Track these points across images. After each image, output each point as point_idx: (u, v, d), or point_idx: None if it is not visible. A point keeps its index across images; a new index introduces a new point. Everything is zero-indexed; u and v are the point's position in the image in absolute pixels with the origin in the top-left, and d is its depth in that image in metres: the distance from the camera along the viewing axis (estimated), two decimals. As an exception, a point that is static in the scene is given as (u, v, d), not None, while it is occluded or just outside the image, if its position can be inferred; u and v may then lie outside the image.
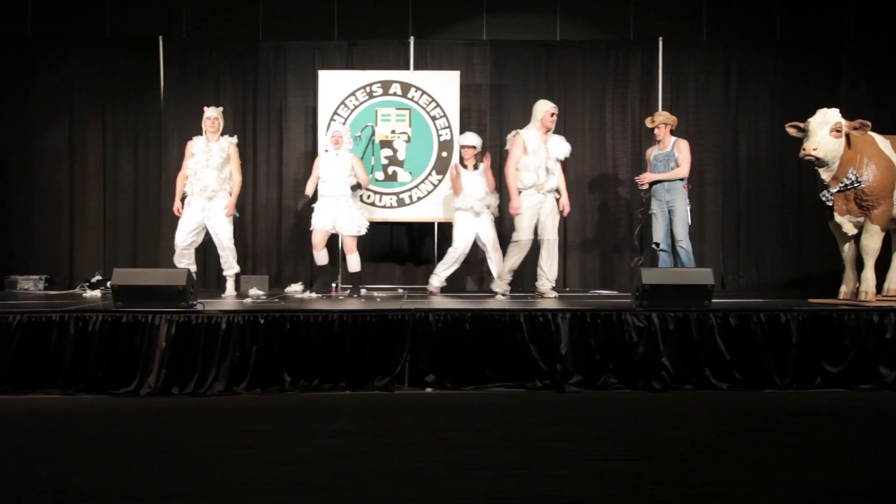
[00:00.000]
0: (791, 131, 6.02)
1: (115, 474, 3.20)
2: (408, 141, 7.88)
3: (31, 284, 7.61)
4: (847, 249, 6.14)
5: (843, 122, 5.79)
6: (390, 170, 7.87)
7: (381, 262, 8.29)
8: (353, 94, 7.86)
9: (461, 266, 8.24)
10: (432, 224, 8.17)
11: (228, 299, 6.52)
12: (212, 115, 6.75)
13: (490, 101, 8.31)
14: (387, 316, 5.10)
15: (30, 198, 8.28)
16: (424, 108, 7.87)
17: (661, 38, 8.27)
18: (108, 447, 3.67)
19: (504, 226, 7.64)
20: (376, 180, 7.77)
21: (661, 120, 6.74)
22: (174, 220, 7.76)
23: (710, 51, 8.39)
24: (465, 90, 8.10)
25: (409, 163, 7.87)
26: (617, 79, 8.37)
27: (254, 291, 6.87)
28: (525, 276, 8.03)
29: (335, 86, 7.87)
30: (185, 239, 6.64)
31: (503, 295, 6.62)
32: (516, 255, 6.62)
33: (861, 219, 5.93)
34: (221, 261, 6.86)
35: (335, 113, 7.83)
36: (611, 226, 8.38)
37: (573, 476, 3.15)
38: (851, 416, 4.42)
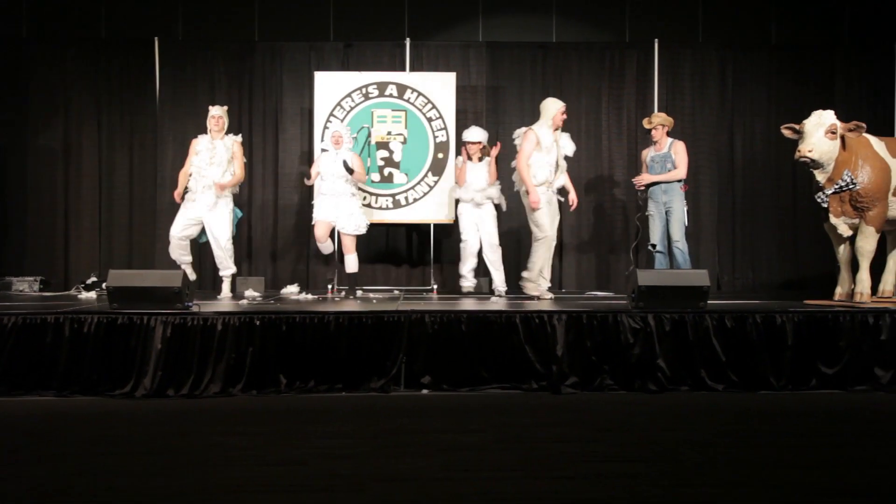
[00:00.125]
0: (786, 133, 6.04)
1: (110, 476, 3.19)
2: (404, 142, 7.88)
3: (26, 286, 7.59)
4: (842, 251, 6.15)
5: (839, 123, 5.81)
6: (386, 171, 7.86)
7: (378, 264, 8.28)
8: (349, 95, 7.86)
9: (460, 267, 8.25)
10: (428, 225, 8.17)
11: (224, 300, 6.51)
12: (216, 113, 6.78)
13: (486, 102, 8.32)
14: (383, 317, 5.10)
15: (25, 198, 8.26)
16: (420, 110, 7.87)
17: (656, 40, 8.28)
18: (104, 449, 3.67)
19: (506, 223, 7.64)
20: (372, 181, 7.77)
21: (659, 121, 6.75)
22: (169, 221, 7.73)
23: (705, 52, 8.41)
24: (462, 91, 8.11)
25: (406, 164, 7.87)
26: (613, 80, 8.38)
27: (250, 293, 6.86)
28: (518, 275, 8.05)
29: (331, 87, 7.87)
30: (180, 231, 6.66)
31: (539, 298, 6.43)
32: (544, 253, 6.52)
33: (856, 220, 5.95)
34: (217, 261, 6.85)
35: (331, 114, 7.82)
36: (606, 227, 8.39)
37: (570, 477, 3.16)
38: (847, 417, 4.43)
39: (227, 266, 6.82)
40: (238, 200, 7.02)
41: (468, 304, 5.82)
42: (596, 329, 5.12)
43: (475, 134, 7.07)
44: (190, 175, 6.66)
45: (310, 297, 6.85)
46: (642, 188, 6.83)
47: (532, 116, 8.25)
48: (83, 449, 3.68)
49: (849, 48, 8.44)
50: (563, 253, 8.28)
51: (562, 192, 6.68)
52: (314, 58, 8.29)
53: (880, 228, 5.99)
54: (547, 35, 8.48)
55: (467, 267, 7.11)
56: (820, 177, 5.93)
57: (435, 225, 8.16)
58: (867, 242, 5.91)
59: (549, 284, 6.68)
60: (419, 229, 8.31)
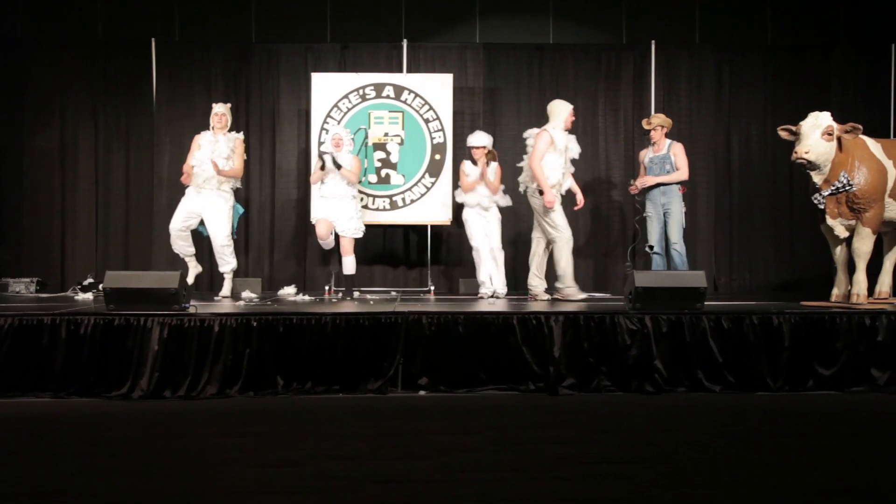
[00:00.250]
0: (783, 134, 6.05)
1: (108, 477, 3.19)
2: (401, 143, 7.88)
3: (22, 287, 7.58)
4: (839, 252, 6.16)
5: (835, 125, 5.83)
6: (383, 172, 7.87)
7: (375, 265, 8.28)
8: (346, 96, 7.86)
9: (459, 268, 8.28)
10: (426, 226, 8.18)
11: (222, 301, 6.51)
12: (220, 110, 6.85)
13: (483, 103, 8.33)
14: (380, 319, 5.09)
15: (21, 199, 8.25)
16: (417, 111, 7.87)
17: (653, 42, 8.30)
18: (101, 450, 3.66)
19: (508, 226, 7.65)
20: (369, 183, 7.77)
21: (658, 122, 6.76)
22: (167, 222, 7.74)
23: (701, 54, 8.42)
24: (458, 93, 8.12)
25: (403, 165, 7.87)
26: (609, 82, 8.39)
27: (247, 294, 6.87)
28: (520, 276, 8.05)
29: (328, 88, 7.87)
30: (180, 223, 6.75)
31: (574, 300, 6.41)
32: (568, 254, 6.48)
33: (853, 222, 5.96)
34: (216, 257, 6.89)
35: (328, 115, 7.82)
36: (603, 229, 8.40)
37: (567, 479, 3.16)
38: (844, 417, 4.44)
39: (226, 262, 6.85)
40: (237, 200, 7.03)
41: (465, 306, 5.82)
42: (593, 330, 5.12)
43: (479, 138, 7.03)
44: (193, 168, 6.73)
45: (307, 298, 6.85)
46: (636, 191, 6.85)
47: (529, 117, 8.30)
48: (80, 450, 3.67)
49: (845, 49, 8.46)
50: (561, 254, 8.29)
51: (567, 193, 6.67)
52: (311, 59, 8.29)
53: (877, 230, 6.00)
54: (544, 37, 8.50)
55: (485, 272, 6.93)
56: (816, 178, 5.94)
57: (432, 226, 8.17)
58: (864, 244, 5.92)
59: (546, 286, 6.68)
60: (416, 230, 8.31)
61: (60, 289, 7.86)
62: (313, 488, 3.03)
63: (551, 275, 6.66)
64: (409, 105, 7.87)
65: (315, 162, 7.15)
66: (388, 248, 8.38)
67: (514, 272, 7.67)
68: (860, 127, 5.84)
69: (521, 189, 6.74)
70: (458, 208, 7.28)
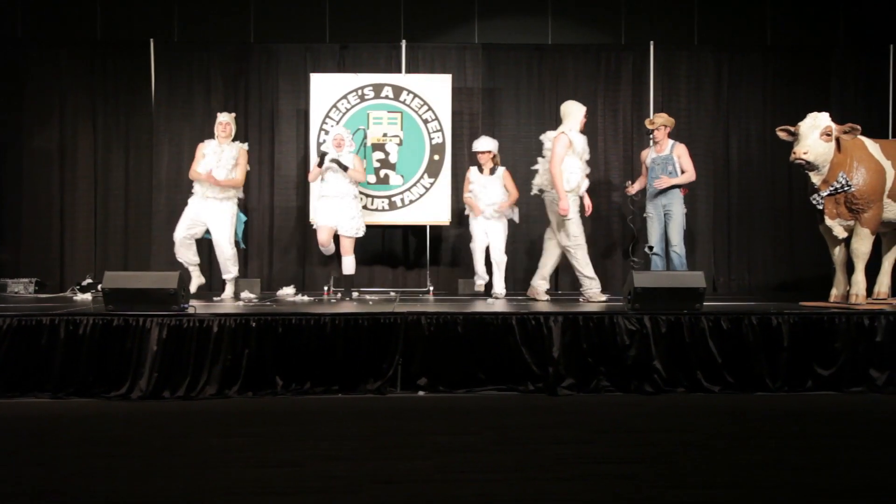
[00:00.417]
0: (781, 135, 6.06)
1: (106, 478, 3.19)
2: (400, 144, 7.88)
3: (21, 287, 7.57)
4: (837, 253, 6.17)
5: (833, 125, 5.83)
6: (382, 173, 7.86)
7: (374, 265, 8.28)
8: (344, 97, 7.86)
9: (458, 268, 8.29)
10: (425, 227, 8.17)
11: (224, 301, 6.52)
12: (225, 120, 6.88)
13: (482, 104, 8.32)
14: (379, 319, 5.09)
15: (20, 200, 8.23)
16: (416, 112, 7.87)
17: (652, 42, 8.30)
18: (100, 450, 3.66)
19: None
20: (368, 183, 7.77)
21: (661, 122, 6.75)
22: (165, 222, 7.76)
23: (701, 54, 8.42)
24: (457, 93, 8.11)
25: (401, 166, 7.87)
26: (608, 82, 8.39)
27: (246, 294, 6.87)
28: (519, 277, 8.06)
29: (327, 89, 7.87)
30: (184, 231, 6.76)
31: (598, 300, 6.41)
32: (583, 256, 6.47)
33: (851, 222, 5.97)
34: (221, 264, 6.92)
35: (327, 116, 7.82)
36: (603, 229, 8.39)
37: (566, 479, 3.16)
38: (843, 418, 4.44)
39: (228, 270, 6.88)
40: (238, 208, 7.04)
41: (464, 306, 5.83)
42: (592, 331, 5.12)
43: (484, 143, 7.02)
44: (199, 175, 6.75)
45: (306, 298, 6.84)
46: (633, 191, 6.86)
47: (528, 118, 8.31)
48: (79, 451, 3.67)
49: (844, 50, 8.46)
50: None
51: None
52: (310, 59, 8.29)
53: (875, 230, 6.00)
54: (543, 37, 8.49)
55: (480, 264, 7.03)
56: (815, 179, 5.95)
57: (431, 227, 8.17)
58: (862, 244, 5.92)
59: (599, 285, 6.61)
60: (415, 231, 8.30)
61: (59, 289, 7.85)
62: (313, 488, 3.03)
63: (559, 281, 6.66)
64: (408, 105, 7.87)
65: (314, 160, 7.14)
66: (387, 248, 8.38)
67: (512, 273, 7.67)
68: (859, 127, 5.85)
69: (535, 192, 6.70)
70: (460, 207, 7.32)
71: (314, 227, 7.05)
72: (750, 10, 8.53)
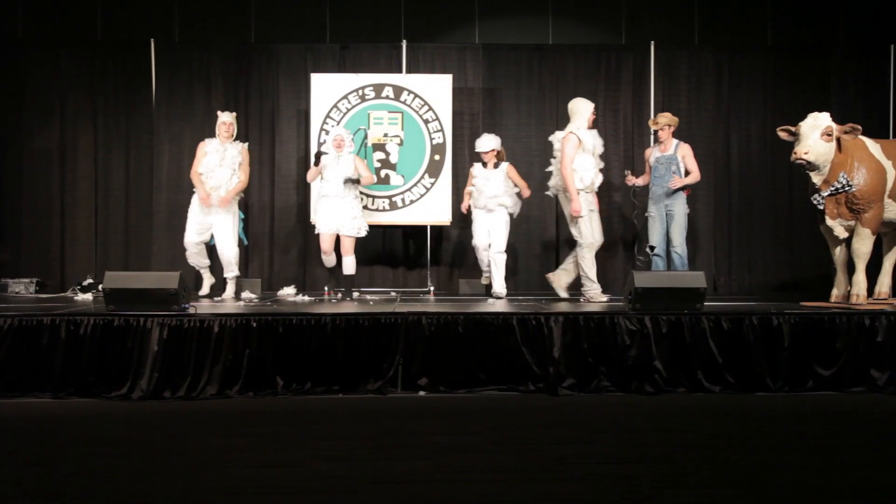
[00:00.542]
0: (782, 135, 6.05)
1: (107, 478, 3.19)
2: (400, 144, 7.88)
3: (21, 287, 7.58)
4: (838, 253, 6.17)
5: (834, 125, 5.83)
6: (383, 173, 7.87)
7: (375, 265, 8.28)
8: (345, 97, 7.86)
9: (459, 268, 8.29)
10: (425, 227, 8.17)
11: (221, 302, 6.52)
12: (228, 119, 6.92)
13: (482, 104, 8.32)
14: (380, 319, 5.09)
15: (21, 200, 8.24)
16: (417, 112, 7.87)
17: (652, 42, 8.30)
18: (100, 451, 3.66)
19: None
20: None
21: (665, 121, 6.75)
22: (166, 222, 7.76)
23: (701, 54, 8.42)
24: (458, 93, 8.12)
25: (402, 166, 7.87)
26: (609, 83, 8.39)
27: (246, 294, 6.87)
28: (519, 277, 8.05)
29: (328, 89, 7.88)
30: (195, 237, 6.84)
31: (597, 301, 6.43)
32: (591, 257, 6.50)
33: (852, 222, 5.96)
34: (223, 263, 6.95)
35: (328, 116, 7.83)
36: (603, 229, 8.37)
37: (567, 479, 3.16)
38: (843, 418, 4.44)
39: (231, 269, 6.91)
40: (238, 203, 7.05)
41: (465, 306, 5.82)
42: (593, 331, 5.12)
43: (486, 143, 7.05)
44: (200, 174, 6.75)
45: (307, 298, 6.85)
46: (638, 182, 6.85)
47: (529, 118, 8.31)
48: (80, 451, 3.67)
49: (844, 50, 8.46)
50: (560, 255, 8.29)
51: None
52: (310, 59, 8.29)
53: (876, 230, 6.00)
54: (543, 37, 8.49)
55: (484, 263, 7.15)
56: (816, 179, 5.95)
57: (432, 226, 8.17)
58: (863, 244, 5.92)
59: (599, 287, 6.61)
60: (416, 231, 8.30)
61: (60, 289, 7.85)
62: (313, 488, 3.03)
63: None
64: (409, 105, 7.87)
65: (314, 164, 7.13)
66: (388, 248, 8.38)
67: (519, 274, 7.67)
68: (859, 127, 5.84)
69: (552, 193, 6.76)
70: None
71: (315, 229, 7.04)
72: (750, 11, 8.53)
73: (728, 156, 8.48)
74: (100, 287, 5.35)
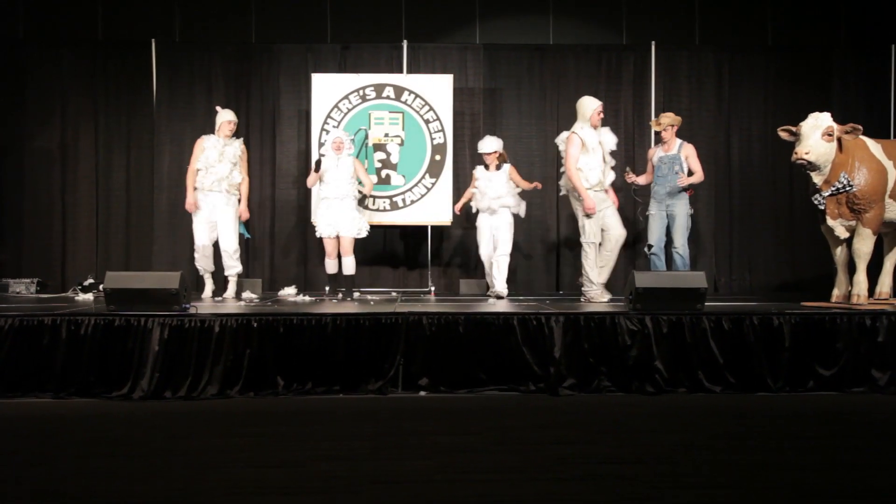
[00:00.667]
0: (783, 135, 6.05)
1: (107, 478, 3.19)
2: (401, 144, 7.88)
3: (22, 287, 7.59)
4: (839, 253, 6.16)
5: (835, 126, 5.83)
6: (384, 173, 7.87)
7: (375, 266, 8.28)
8: (346, 97, 7.86)
9: (459, 268, 8.30)
10: (426, 227, 8.18)
11: (226, 301, 6.53)
12: (231, 118, 6.97)
13: (483, 104, 8.33)
14: (380, 319, 5.09)
15: (22, 200, 8.25)
16: (418, 112, 7.87)
17: (653, 42, 8.30)
18: (101, 451, 3.66)
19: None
20: (369, 183, 7.78)
21: (668, 121, 6.75)
22: (167, 222, 7.76)
23: (702, 54, 8.43)
24: (459, 94, 8.12)
25: (403, 166, 7.87)
26: (610, 82, 8.39)
27: (247, 295, 6.88)
28: (522, 278, 8.05)
29: (328, 89, 7.88)
30: (207, 239, 6.88)
31: (597, 301, 6.40)
32: (593, 257, 6.42)
33: (853, 222, 5.96)
34: (224, 261, 6.96)
35: (328, 116, 7.83)
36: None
37: (567, 479, 3.15)
38: (844, 418, 4.43)
39: (232, 266, 6.91)
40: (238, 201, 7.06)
41: (466, 307, 5.82)
42: (593, 331, 5.11)
43: (489, 145, 7.07)
44: (198, 171, 6.75)
45: (307, 298, 6.85)
46: (639, 180, 6.84)
47: (529, 118, 8.32)
48: (80, 451, 3.67)
49: (845, 50, 8.46)
50: (560, 255, 8.30)
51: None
52: (311, 60, 8.30)
53: (877, 230, 6.00)
54: (544, 37, 8.50)
55: (488, 274, 7.18)
56: (816, 179, 5.95)
57: (432, 227, 8.17)
58: (864, 244, 5.92)
59: (600, 288, 6.52)
60: (417, 231, 8.31)
61: (61, 289, 7.87)
62: (313, 489, 3.03)
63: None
64: (410, 106, 7.88)
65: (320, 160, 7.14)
66: (389, 248, 8.38)
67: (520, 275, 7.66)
68: (860, 127, 5.84)
69: (562, 192, 6.75)
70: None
71: (317, 232, 7.02)
72: (751, 10, 8.53)
73: (729, 156, 8.49)
74: (101, 287, 5.35)
